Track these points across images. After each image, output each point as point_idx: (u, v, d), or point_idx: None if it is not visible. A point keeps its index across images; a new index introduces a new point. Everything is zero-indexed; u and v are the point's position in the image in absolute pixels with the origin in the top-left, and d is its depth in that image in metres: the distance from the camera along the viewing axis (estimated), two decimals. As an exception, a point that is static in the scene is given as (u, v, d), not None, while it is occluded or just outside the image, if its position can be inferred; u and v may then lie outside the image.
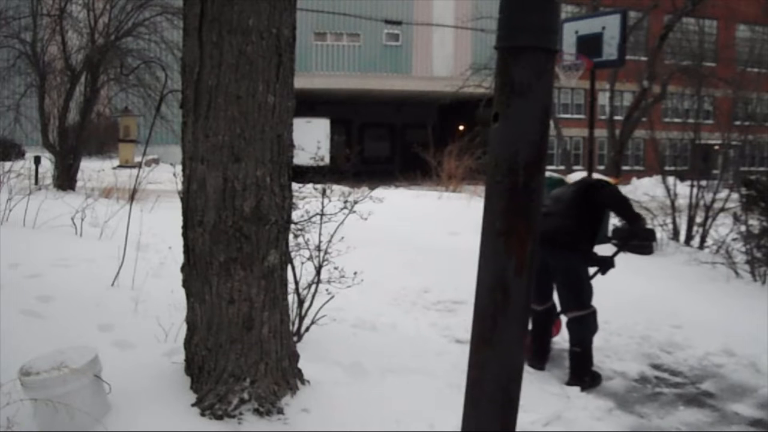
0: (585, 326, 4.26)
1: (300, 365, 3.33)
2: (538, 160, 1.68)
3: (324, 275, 4.22)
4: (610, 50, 8.74)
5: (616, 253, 4.49)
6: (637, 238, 4.40)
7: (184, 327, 3.19)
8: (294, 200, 3.44)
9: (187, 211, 3.04)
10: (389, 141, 34.74)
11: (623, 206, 4.40)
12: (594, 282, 4.41)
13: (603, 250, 4.54)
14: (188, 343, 3.15)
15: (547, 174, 8.06)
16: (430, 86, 27.44)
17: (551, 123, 2.42)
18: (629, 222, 4.39)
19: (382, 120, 33.40)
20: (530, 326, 4.47)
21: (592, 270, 4.42)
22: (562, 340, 4.82)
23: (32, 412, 2.66)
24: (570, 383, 4.18)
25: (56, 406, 2.56)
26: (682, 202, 8.97)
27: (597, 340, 4.50)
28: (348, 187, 6.31)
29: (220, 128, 2.88)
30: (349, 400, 3.27)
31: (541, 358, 4.48)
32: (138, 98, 13.00)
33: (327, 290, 4.19)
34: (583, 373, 4.22)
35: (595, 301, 4.33)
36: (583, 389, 4.10)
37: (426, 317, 5.47)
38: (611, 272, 4.45)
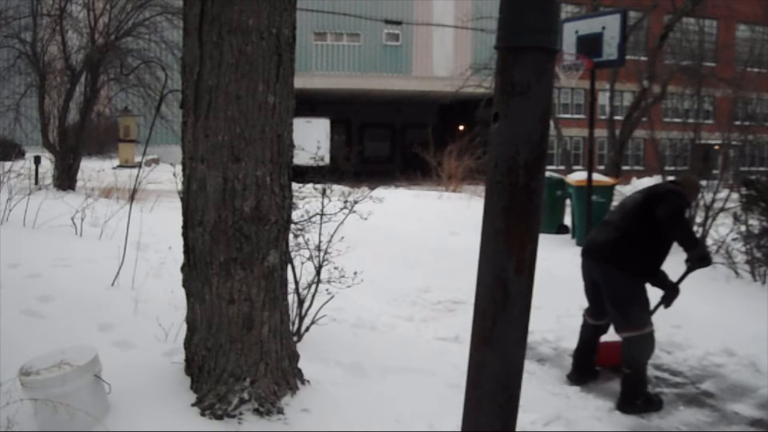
0: (635, 348, 3.82)
1: (300, 365, 3.33)
2: (538, 160, 1.68)
3: (324, 275, 4.22)
4: (610, 50, 8.76)
5: (682, 277, 3.97)
6: (705, 262, 3.82)
7: (184, 327, 3.19)
8: (294, 200, 3.44)
9: (187, 211, 3.05)
10: (389, 141, 34.74)
11: (678, 225, 3.71)
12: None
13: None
14: (188, 343, 3.15)
15: (547, 174, 8.07)
16: (430, 86, 27.44)
17: (551, 123, 2.42)
18: (685, 247, 3.80)
19: (382, 120, 33.41)
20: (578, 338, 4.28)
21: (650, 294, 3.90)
22: (560, 339, 4.82)
23: (32, 412, 2.66)
24: (619, 407, 3.80)
25: (56, 406, 2.55)
26: (683, 202, 8.93)
27: (597, 340, 4.49)
28: (348, 187, 6.31)
29: (220, 128, 2.89)
30: (349, 400, 3.28)
31: (581, 373, 4.21)
32: (138, 98, 13.02)
33: (327, 290, 4.19)
34: (634, 396, 3.81)
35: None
36: (633, 413, 3.75)
37: (426, 317, 5.47)
38: None
